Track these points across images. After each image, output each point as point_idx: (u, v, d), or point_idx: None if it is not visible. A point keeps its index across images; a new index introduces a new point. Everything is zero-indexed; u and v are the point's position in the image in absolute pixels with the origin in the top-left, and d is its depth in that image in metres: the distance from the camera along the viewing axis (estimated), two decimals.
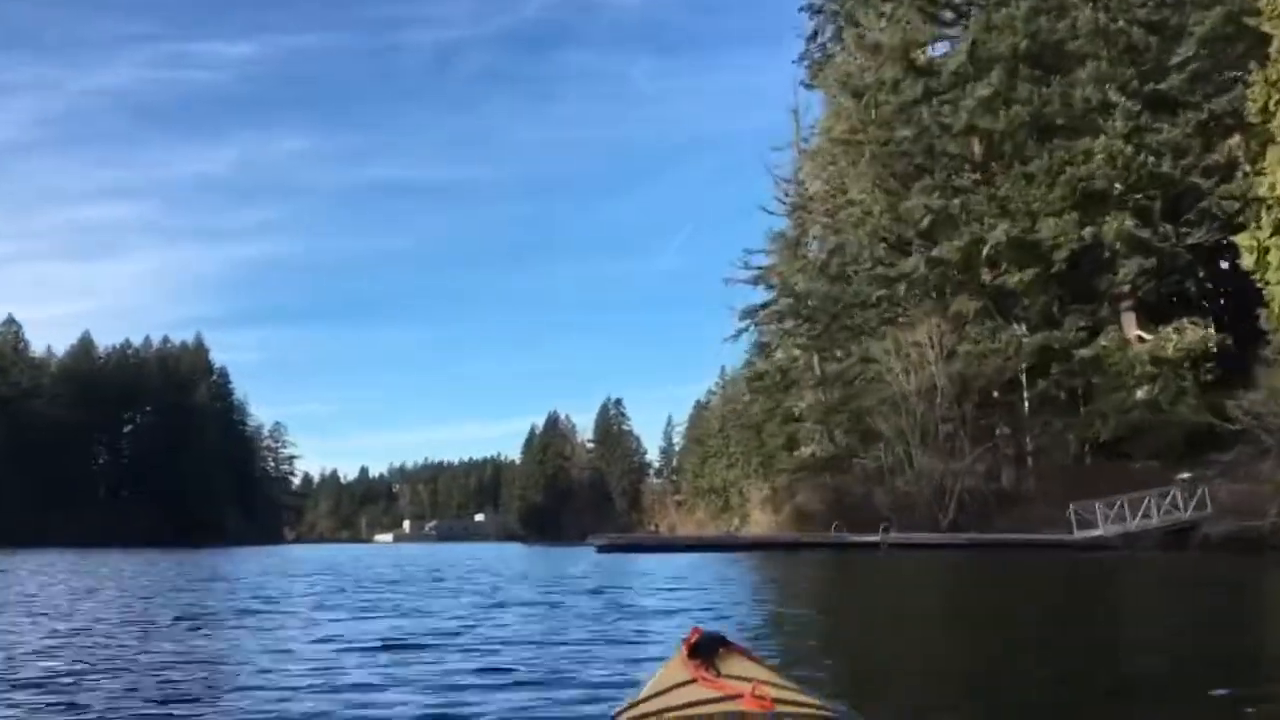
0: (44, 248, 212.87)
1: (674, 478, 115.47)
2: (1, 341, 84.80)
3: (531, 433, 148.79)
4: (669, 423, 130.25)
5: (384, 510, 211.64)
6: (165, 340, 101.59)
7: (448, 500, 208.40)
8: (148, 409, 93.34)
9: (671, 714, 1.78)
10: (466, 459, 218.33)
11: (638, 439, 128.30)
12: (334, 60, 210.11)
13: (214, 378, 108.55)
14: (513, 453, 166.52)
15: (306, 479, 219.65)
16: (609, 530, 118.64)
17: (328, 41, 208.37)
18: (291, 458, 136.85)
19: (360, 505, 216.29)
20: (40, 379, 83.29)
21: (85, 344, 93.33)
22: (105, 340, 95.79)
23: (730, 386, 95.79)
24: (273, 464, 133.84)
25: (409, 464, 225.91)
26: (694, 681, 1.88)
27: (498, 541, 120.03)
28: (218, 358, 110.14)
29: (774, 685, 1.86)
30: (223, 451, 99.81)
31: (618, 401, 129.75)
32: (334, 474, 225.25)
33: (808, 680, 2.94)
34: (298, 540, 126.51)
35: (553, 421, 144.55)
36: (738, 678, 1.87)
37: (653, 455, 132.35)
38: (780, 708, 1.73)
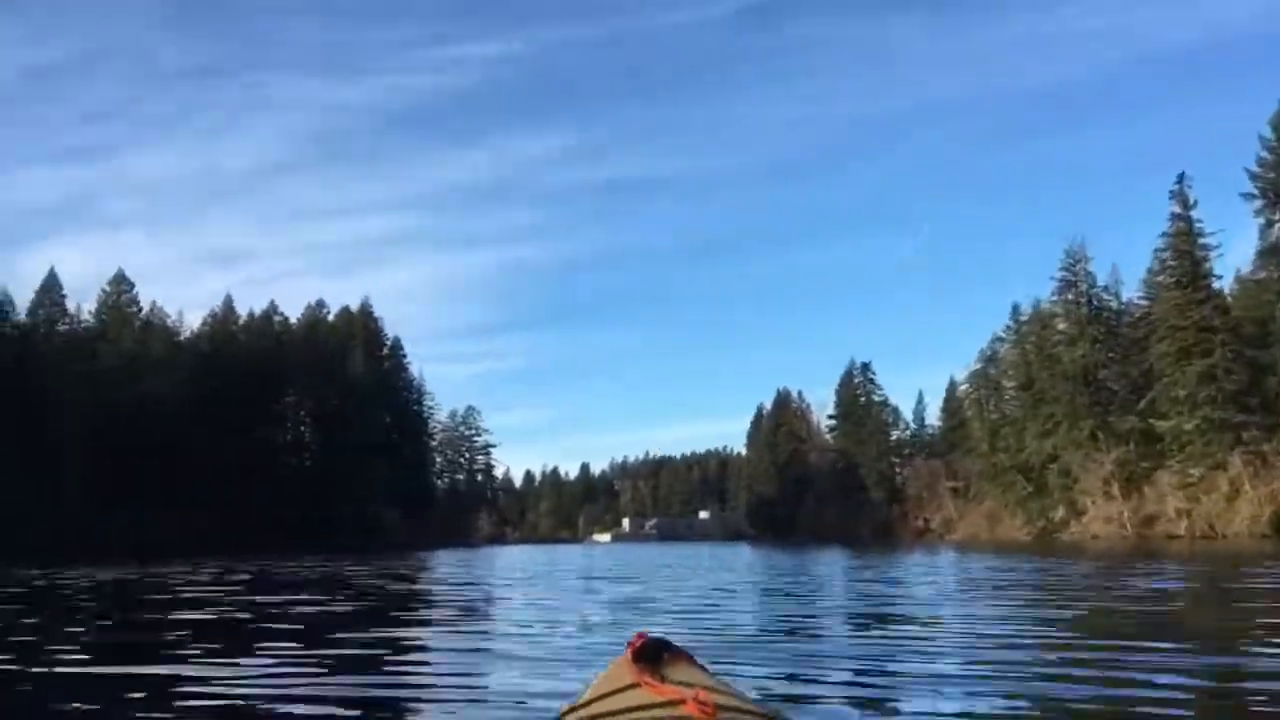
0: (303, 265, 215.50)
1: (945, 456, 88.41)
2: (110, 304, 70.95)
3: (759, 415, 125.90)
4: (920, 400, 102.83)
5: (604, 508, 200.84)
6: (320, 305, 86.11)
7: (669, 497, 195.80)
8: (289, 386, 77.39)
9: (614, 717, 1.77)
10: (689, 453, 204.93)
11: (894, 410, 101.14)
12: (573, 53, 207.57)
13: (384, 351, 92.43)
14: (739, 445, 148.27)
15: (529, 477, 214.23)
16: (864, 527, 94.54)
17: (567, 34, 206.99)
18: (488, 447, 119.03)
19: (581, 504, 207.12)
20: (152, 349, 68.20)
21: (226, 309, 78.75)
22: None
23: (1035, 324, 68.49)
24: (465, 455, 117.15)
25: (630, 459, 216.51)
26: (638, 685, 1.84)
27: (722, 541, 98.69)
28: (390, 329, 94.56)
29: (717, 692, 1.81)
30: (386, 437, 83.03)
31: (864, 367, 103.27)
32: (554, 471, 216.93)
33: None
34: (496, 541, 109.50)
35: (783, 400, 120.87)
36: (682, 683, 1.83)
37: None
38: (723, 714, 1.70)
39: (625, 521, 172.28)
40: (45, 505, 58.41)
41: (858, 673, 5.55)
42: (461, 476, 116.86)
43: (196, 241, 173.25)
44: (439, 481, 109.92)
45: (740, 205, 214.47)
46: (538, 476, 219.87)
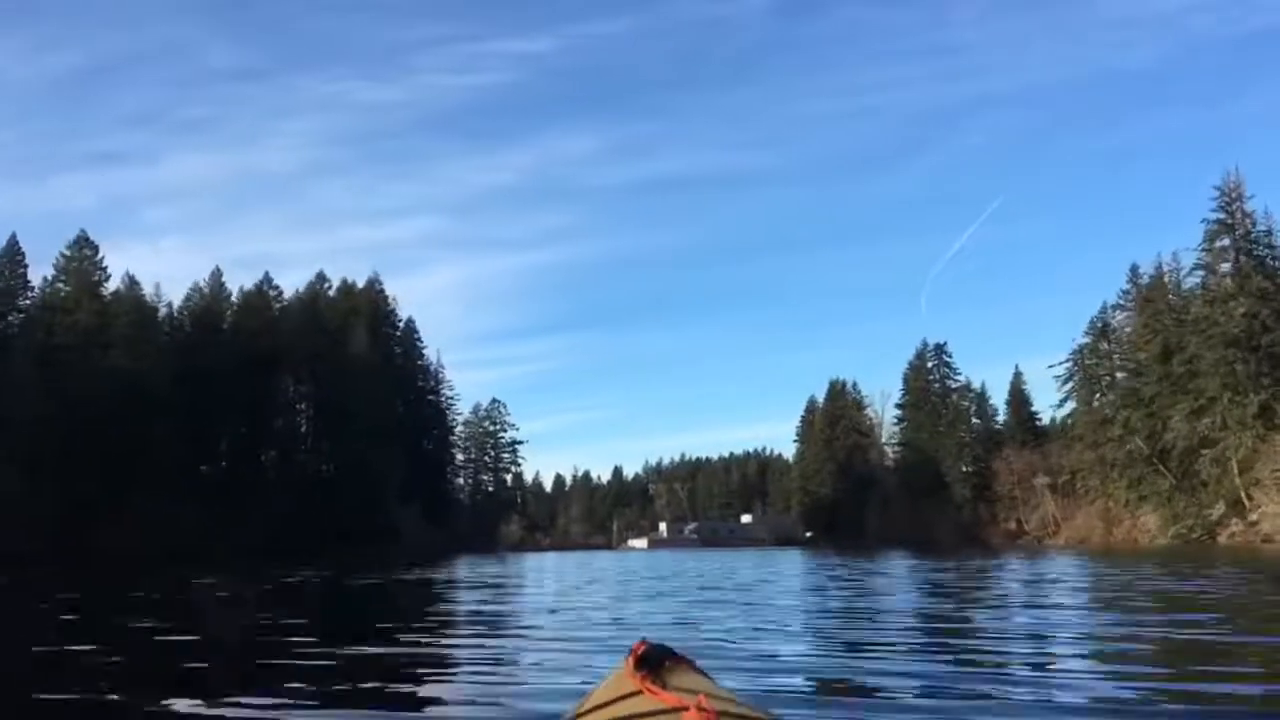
0: (337, 268, 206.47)
1: (1033, 446, 76.46)
2: (70, 269, 60.65)
3: (810, 410, 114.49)
4: (982, 391, 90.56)
5: (640, 513, 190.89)
6: (321, 278, 75.86)
7: (708, 500, 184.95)
8: (285, 367, 67.13)
9: None
10: (726, 455, 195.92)
11: (976, 395, 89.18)
12: (609, 49, 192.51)
13: (397, 332, 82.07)
14: (780, 446, 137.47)
15: (558, 481, 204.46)
16: (944, 529, 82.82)
17: (603, 29, 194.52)
18: (515, 444, 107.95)
19: (613, 508, 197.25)
20: (118, 323, 57.80)
21: (215, 284, 68.55)
22: None
23: (1170, 282, 56.97)
24: (490, 453, 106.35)
25: (664, 462, 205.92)
26: (639, 693, 1.85)
27: (771, 546, 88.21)
28: (405, 309, 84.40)
29: (719, 698, 1.81)
30: (398, 428, 72.57)
31: (938, 349, 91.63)
32: (586, 475, 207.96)
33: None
34: (526, 548, 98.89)
35: (838, 392, 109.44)
36: (683, 690, 1.84)
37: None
38: None
39: (662, 526, 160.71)
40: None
41: None
42: (487, 477, 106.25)
43: (229, 246, 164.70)
44: (462, 482, 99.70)
45: (777, 202, 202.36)
46: (568, 480, 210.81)
